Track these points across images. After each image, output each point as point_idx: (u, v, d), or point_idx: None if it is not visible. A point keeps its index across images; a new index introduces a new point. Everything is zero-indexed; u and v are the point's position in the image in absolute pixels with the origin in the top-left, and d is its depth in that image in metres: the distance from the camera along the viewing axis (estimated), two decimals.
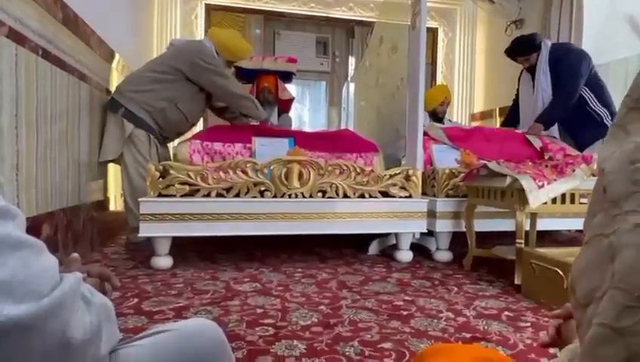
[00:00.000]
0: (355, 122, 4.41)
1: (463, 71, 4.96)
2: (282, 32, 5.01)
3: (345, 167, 2.11)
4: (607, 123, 2.74)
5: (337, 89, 5.35)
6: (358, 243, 2.46)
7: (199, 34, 4.31)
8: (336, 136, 2.70)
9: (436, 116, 3.63)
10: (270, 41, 5.04)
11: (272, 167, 2.02)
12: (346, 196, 2.10)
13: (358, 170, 2.13)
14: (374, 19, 3.82)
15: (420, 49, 2.35)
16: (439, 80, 4.92)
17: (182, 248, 2.32)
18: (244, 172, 1.99)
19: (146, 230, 1.88)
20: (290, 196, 2.03)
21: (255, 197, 1.99)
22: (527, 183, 1.67)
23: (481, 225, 2.14)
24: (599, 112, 2.79)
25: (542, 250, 1.67)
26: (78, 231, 2.03)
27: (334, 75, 5.37)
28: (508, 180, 1.73)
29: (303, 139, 2.52)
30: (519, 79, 3.21)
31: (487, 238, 2.31)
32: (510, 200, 1.76)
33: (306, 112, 5.70)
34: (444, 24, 4.95)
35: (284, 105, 3.69)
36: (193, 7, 4.36)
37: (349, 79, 5.04)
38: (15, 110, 1.43)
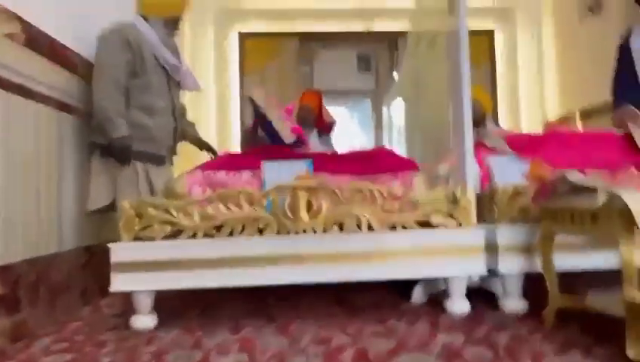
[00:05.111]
0: (404, 142, 3.90)
1: (528, 73, 4.29)
2: (320, 50, 4.69)
3: (368, 191, 1.63)
4: None
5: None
6: (403, 285, 1.91)
7: (233, 61, 4.16)
8: (367, 155, 2.23)
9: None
10: (308, 62, 4.76)
11: (271, 198, 1.60)
12: (372, 229, 1.61)
13: (386, 193, 1.64)
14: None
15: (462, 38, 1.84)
16: (500, 85, 4.31)
17: (176, 299, 1.94)
18: (238, 205, 1.59)
19: (118, 283, 1.52)
20: (296, 232, 1.59)
21: (253, 236, 1.58)
22: (632, 200, 1.08)
23: (566, 262, 1.53)
24: None
25: None
26: (58, 283, 1.74)
27: (379, 93, 4.92)
28: (602, 197, 1.16)
29: (325, 161, 2.09)
30: (621, 47, 2.30)
31: (579, 280, 1.65)
32: (606, 226, 1.18)
33: (351, 136, 5.26)
34: (501, 24, 4.36)
35: (325, 128, 3.32)
36: (225, 36, 4.22)
37: (388, 96, 4.57)
38: None
